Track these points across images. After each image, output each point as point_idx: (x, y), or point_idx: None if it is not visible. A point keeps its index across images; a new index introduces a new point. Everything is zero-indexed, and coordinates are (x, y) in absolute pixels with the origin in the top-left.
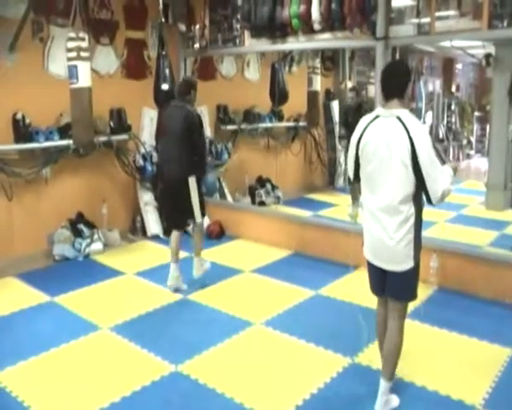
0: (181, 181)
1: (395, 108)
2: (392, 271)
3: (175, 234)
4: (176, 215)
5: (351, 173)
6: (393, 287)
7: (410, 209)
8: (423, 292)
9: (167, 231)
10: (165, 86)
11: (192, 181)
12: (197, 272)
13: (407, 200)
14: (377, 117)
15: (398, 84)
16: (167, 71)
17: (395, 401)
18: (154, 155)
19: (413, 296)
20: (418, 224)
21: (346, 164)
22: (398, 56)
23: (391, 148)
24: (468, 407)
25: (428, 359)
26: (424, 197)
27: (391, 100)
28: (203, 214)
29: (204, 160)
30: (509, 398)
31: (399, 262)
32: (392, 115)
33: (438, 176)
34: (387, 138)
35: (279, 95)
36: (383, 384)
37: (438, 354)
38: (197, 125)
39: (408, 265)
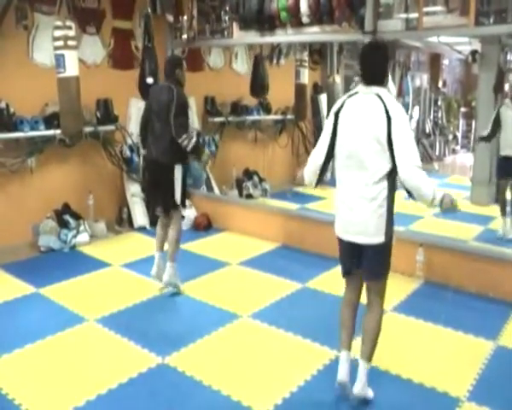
0: (165, 165)
1: (376, 87)
2: (364, 244)
3: (161, 220)
4: (160, 196)
5: (321, 154)
6: (368, 263)
7: (383, 185)
8: (409, 286)
9: (154, 222)
10: (149, 79)
11: (178, 169)
12: (169, 277)
13: (382, 175)
14: (357, 93)
15: (377, 73)
16: (153, 63)
17: (370, 392)
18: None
19: (385, 273)
20: (391, 199)
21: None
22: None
23: (368, 123)
24: (453, 399)
25: (414, 352)
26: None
27: (371, 85)
28: (183, 204)
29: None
30: (492, 390)
31: (371, 235)
32: (372, 92)
33: (409, 151)
34: (365, 113)
35: (259, 86)
36: (362, 365)
37: (423, 347)
38: (181, 104)
39: (379, 238)
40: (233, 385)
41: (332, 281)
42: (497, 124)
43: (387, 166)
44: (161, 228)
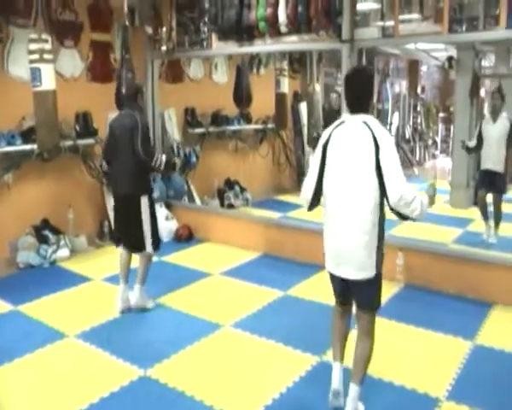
0: (131, 199)
1: (361, 114)
2: (354, 280)
3: (124, 253)
4: (126, 237)
5: (311, 187)
6: (358, 297)
7: (374, 218)
8: (390, 289)
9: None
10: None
11: (144, 202)
12: (136, 300)
13: (371, 208)
14: (343, 122)
15: (363, 100)
16: (130, 75)
17: (361, 407)
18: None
19: (377, 304)
20: (381, 233)
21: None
22: (364, 58)
23: (357, 153)
24: (433, 400)
25: (395, 354)
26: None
27: (357, 113)
28: (156, 245)
29: (154, 170)
30: (470, 388)
31: (362, 269)
32: (359, 120)
33: (398, 179)
34: (353, 143)
35: (243, 97)
36: (354, 390)
37: (404, 350)
38: (146, 130)
39: (370, 273)
40: (216, 395)
41: (313, 288)
42: (480, 138)
43: (377, 197)
44: (124, 257)
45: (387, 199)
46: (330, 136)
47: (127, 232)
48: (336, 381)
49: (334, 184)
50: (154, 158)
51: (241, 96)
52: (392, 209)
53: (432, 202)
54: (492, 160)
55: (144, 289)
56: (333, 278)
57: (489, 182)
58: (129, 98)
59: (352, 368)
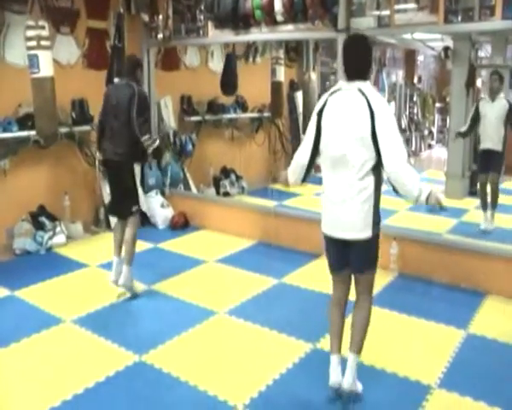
0: (124, 165)
1: (357, 82)
2: (351, 239)
3: (118, 224)
4: (118, 202)
5: (307, 152)
6: (356, 258)
7: (369, 180)
8: (383, 279)
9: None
10: (117, 80)
11: (137, 169)
12: (124, 280)
13: (367, 172)
14: (339, 89)
15: (360, 67)
16: (120, 63)
17: (360, 385)
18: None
19: (374, 266)
20: (377, 194)
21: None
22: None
23: (352, 120)
24: (425, 387)
25: (388, 342)
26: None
27: (354, 81)
28: (137, 202)
29: (149, 144)
30: (461, 376)
31: (358, 230)
32: (354, 88)
33: (395, 145)
34: (348, 110)
35: (228, 84)
36: (353, 358)
37: (397, 338)
38: (143, 100)
39: (366, 233)
40: (209, 380)
41: (307, 276)
42: (475, 119)
43: (372, 162)
44: (118, 231)
45: (383, 165)
46: (326, 102)
47: (119, 197)
48: (335, 375)
49: (330, 151)
50: (145, 134)
51: (228, 82)
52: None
53: (427, 199)
54: (492, 139)
55: (131, 270)
56: (329, 241)
57: (489, 161)
58: (129, 70)
59: (351, 337)
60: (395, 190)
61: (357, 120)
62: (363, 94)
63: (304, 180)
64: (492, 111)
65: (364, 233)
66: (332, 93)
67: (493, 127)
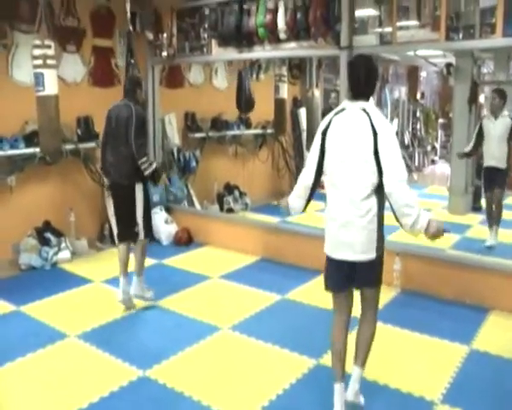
0: (125, 187)
1: (361, 101)
2: (355, 261)
3: (122, 246)
4: (122, 224)
5: (311, 173)
6: (360, 278)
7: (372, 201)
8: (386, 294)
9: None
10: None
11: (139, 189)
12: (135, 290)
13: (370, 191)
14: (343, 110)
15: (364, 87)
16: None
17: (362, 399)
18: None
19: (378, 284)
20: (380, 215)
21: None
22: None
23: (355, 140)
24: (428, 403)
25: (391, 358)
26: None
27: (357, 100)
28: (147, 232)
29: (145, 163)
30: (465, 392)
31: (362, 252)
32: (358, 107)
33: (395, 166)
34: (352, 130)
35: (246, 102)
36: (357, 371)
37: (400, 354)
38: (140, 121)
39: (371, 255)
40: (213, 396)
41: (311, 292)
42: (479, 138)
43: (375, 182)
44: (123, 251)
45: (384, 185)
46: (330, 122)
47: (123, 219)
48: (339, 406)
49: (334, 171)
50: (143, 157)
51: (244, 100)
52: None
53: (432, 230)
54: (495, 157)
55: (142, 279)
56: (332, 262)
57: (492, 179)
58: (128, 90)
59: (356, 351)
60: (396, 218)
61: (360, 139)
62: (367, 114)
63: (307, 205)
64: (495, 129)
65: (368, 255)
66: (336, 113)
67: (496, 145)
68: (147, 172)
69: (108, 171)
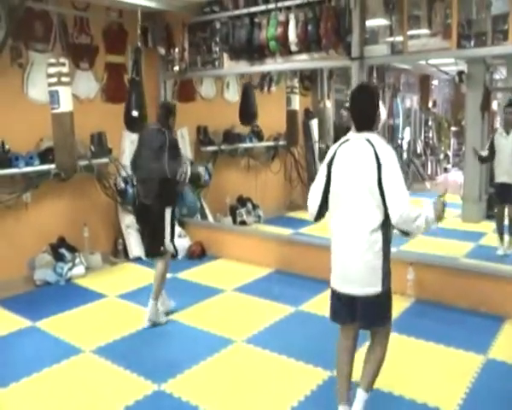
0: (155, 208)
1: (365, 132)
2: (359, 295)
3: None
4: (148, 239)
5: (316, 203)
6: (364, 315)
7: (378, 234)
8: (400, 304)
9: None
10: (135, 113)
11: (168, 213)
12: (149, 315)
13: (376, 225)
14: (348, 140)
15: (367, 118)
16: (139, 97)
17: None
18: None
19: (387, 320)
20: (387, 248)
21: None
22: (375, 73)
23: (359, 171)
24: None
25: (406, 368)
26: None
27: (362, 131)
28: (173, 249)
29: (178, 187)
30: (481, 402)
31: (366, 285)
32: (362, 138)
33: (400, 197)
34: (357, 160)
35: (248, 114)
36: (362, 395)
37: (415, 364)
38: (174, 147)
39: (376, 288)
40: (228, 408)
41: (324, 304)
42: (491, 150)
43: (381, 215)
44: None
45: (390, 217)
46: (335, 154)
47: (148, 238)
48: None
49: (339, 202)
50: (177, 173)
51: (247, 112)
52: (396, 227)
53: (439, 217)
54: (507, 172)
55: (158, 304)
56: (337, 296)
57: (505, 195)
58: (162, 117)
59: (363, 374)
60: (404, 234)
61: (365, 170)
62: (371, 144)
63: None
64: (507, 144)
65: (373, 288)
66: (341, 144)
67: (509, 161)
68: (187, 179)
69: (140, 192)
